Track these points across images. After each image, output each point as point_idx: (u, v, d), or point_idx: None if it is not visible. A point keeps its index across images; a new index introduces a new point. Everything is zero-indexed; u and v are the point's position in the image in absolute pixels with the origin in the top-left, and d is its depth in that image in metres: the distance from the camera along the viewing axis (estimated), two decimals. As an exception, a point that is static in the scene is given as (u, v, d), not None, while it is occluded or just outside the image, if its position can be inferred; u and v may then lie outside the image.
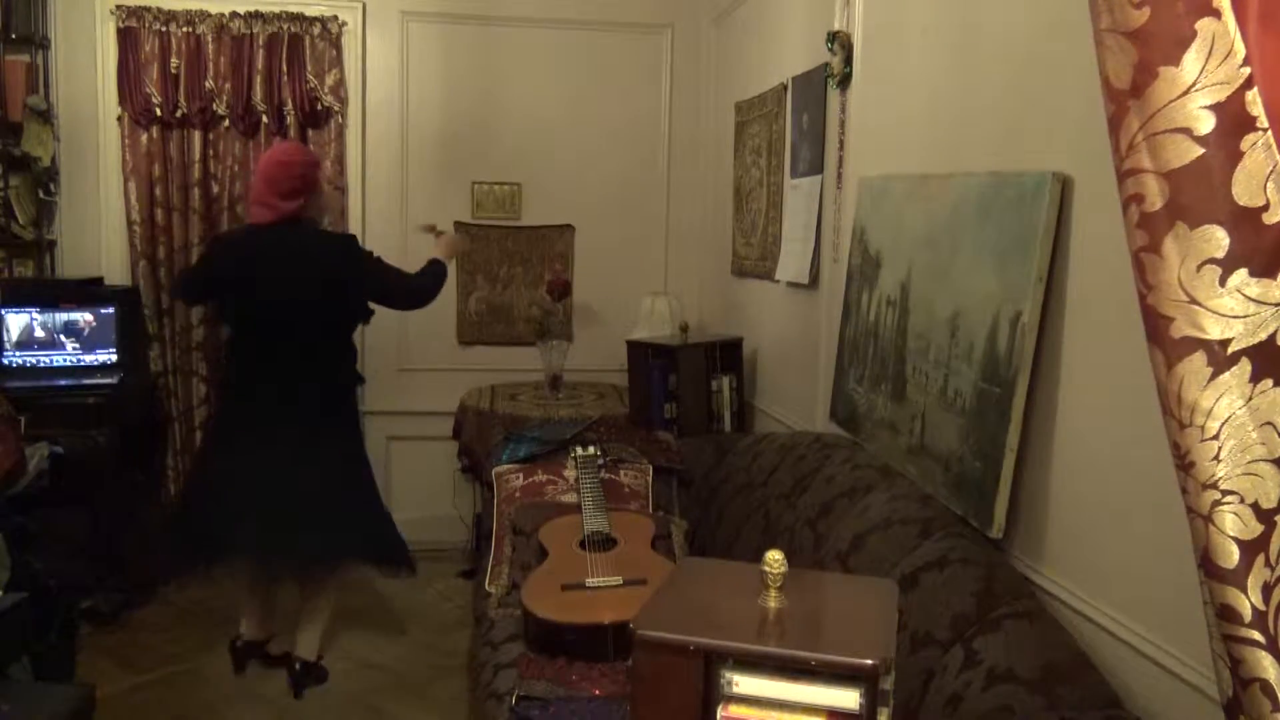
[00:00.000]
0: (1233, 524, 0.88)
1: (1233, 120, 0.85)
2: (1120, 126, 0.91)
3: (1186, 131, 0.86)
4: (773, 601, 1.27)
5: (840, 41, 2.86)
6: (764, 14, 3.76)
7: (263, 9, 4.16)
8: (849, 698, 1.15)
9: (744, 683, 1.19)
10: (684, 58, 4.57)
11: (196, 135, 4.20)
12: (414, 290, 3.33)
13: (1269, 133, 0.85)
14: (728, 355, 3.74)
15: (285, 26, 4.18)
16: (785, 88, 3.43)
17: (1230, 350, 0.87)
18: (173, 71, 4.11)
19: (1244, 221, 0.86)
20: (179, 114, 4.14)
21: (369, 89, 4.38)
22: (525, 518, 2.87)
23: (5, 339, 3.79)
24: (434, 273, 3.35)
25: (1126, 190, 0.91)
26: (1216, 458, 0.88)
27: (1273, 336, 0.86)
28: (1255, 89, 0.85)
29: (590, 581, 2.46)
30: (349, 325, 3.30)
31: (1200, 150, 0.86)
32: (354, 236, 3.47)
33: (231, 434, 3.22)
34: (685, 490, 3.20)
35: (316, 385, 3.18)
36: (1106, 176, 0.97)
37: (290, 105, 4.19)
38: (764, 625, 1.24)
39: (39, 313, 3.82)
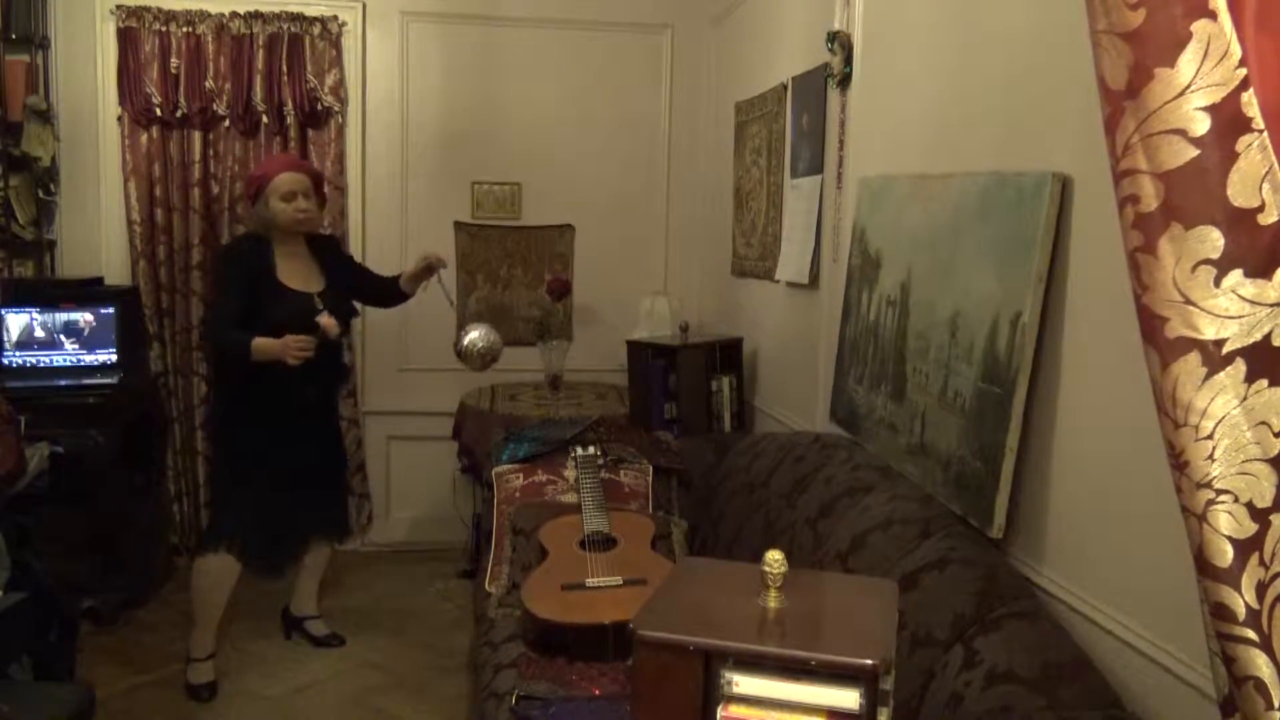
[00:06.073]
0: (1227, 523, 0.88)
1: (1228, 121, 0.86)
2: (1116, 127, 0.91)
3: (1182, 133, 0.87)
4: (772, 601, 1.27)
5: (840, 41, 2.86)
6: (764, 14, 3.76)
7: (263, 9, 4.16)
8: (849, 698, 1.15)
9: (744, 683, 1.19)
10: (684, 58, 4.57)
11: (196, 135, 4.19)
12: (212, 333, 3.42)
13: (1264, 134, 0.85)
14: (728, 355, 3.74)
15: (285, 26, 4.18)
16: (785, 88, 3.43)
17: (1225, 350, 0.87)
18: (173, 71, 4.11)
19: (1239, 222, 0.86)
20: (179, 114, 4.14)
21: (369, 89, 4.38)
22: (525, 518, 2.87)
23: (5, 339, 3.79)
24: (236, 344, 3.07)
25: (1122, 191, 0.92)
26: (1211, 457, 0.88)
27: (1267, 337, 0.87)
28: (1251, 90, 0.85)
29: (590, 581, 2.46)
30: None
31: (1196, 151, 0.86)
32: (228, 247, 3.62)
33: None
34: (685, 490, 3.20)
35: (216, 378, 3.68)
36: (1106, 176, 0.97)
37: (290, 105, 4.19)
38: (764, 625, 1.24)
39: (39, 313, 3.82)
